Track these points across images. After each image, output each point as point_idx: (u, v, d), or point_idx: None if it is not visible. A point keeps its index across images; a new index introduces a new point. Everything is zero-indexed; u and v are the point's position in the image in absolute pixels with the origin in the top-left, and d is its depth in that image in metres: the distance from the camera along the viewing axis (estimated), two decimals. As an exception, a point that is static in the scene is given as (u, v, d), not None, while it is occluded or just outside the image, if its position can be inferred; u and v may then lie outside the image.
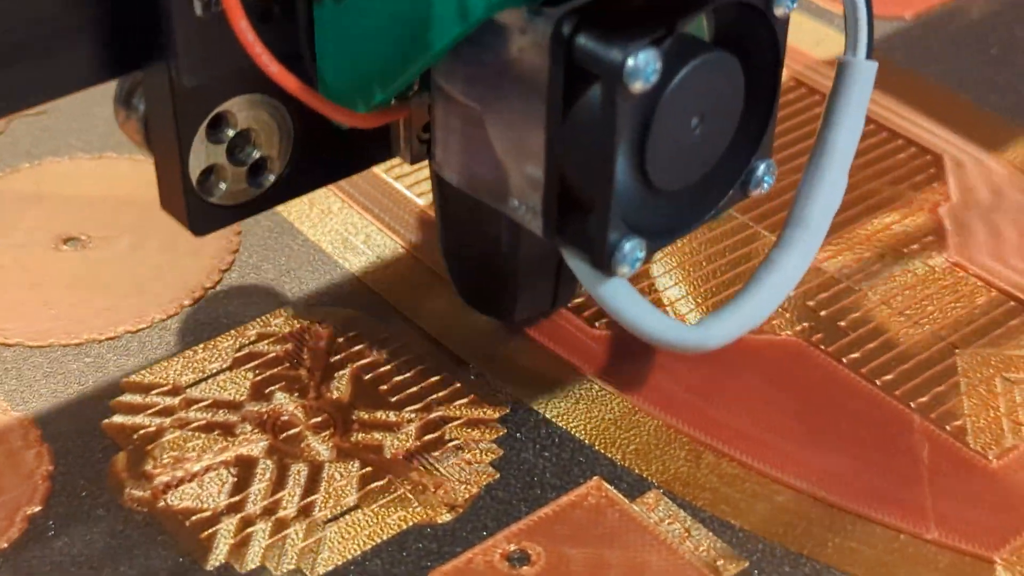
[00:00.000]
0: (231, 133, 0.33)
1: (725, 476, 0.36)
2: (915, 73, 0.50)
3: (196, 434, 0.36)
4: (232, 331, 0.39)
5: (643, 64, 0.28)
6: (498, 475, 0.35)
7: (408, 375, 0.38)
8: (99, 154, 0.46)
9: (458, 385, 0.38)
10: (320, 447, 0.36)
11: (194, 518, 0.34)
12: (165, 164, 0.33)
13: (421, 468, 0.35)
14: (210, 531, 0.34)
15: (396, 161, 0.45)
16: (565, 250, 0.31)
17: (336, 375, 0.38)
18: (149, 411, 0.37)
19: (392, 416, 0.37)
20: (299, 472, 0.35)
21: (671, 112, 0.30)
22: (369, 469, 0.35)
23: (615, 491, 0.35)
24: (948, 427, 0.37)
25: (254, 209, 0.34)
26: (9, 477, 0.35)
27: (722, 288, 0.41)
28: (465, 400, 0.37)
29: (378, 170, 0.45)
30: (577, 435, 0.36)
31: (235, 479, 0.35)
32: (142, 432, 0.36)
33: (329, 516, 0.34)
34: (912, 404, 0.37)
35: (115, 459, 0.36)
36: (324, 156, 0.35)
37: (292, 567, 0.33)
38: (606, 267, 0.30)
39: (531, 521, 0.34)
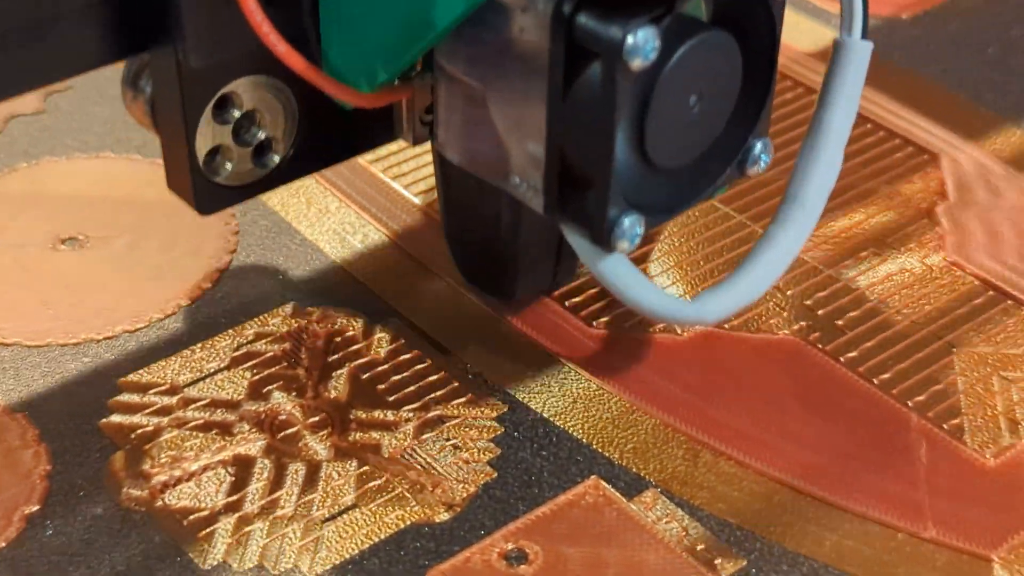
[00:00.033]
0: (237, 114, 0.33)
1: (723, 475, 0.36)
2: (913, 72, 0.50)
3: (194, 433, 0.36)
4: (230, 330, 0.39)
5: (642, 42, 0.28)
6: (496, 474, 0.35)
7: (405, 374, 0.38)
8: (97, 154, 0.46)
9: (456, 384, 0.38)
10: (318, 446, 0.36)
11: (192, 517, 0.34)
12: (172, 145, 0.33)
13: (419, 467, 0.35)
14: (208, 530, 0.34)
15: (394, 160, 0.45)
16: (565, 227, 0.32)
17: (334, 374, 0.38)
18: (147, 410, 0.37)
19: (390, 415, 0.37)
20: (297, 471, 0.35)
21: (670, 90, 0.30)
22: (367, 468, 0.35)
23: (613, 490, 0.35)
24: (945, 426, 0.37)
25: (259, 189, 0.35)
26: (7, 476, 0.35)
27: (720, 287, 0.41)
28: (463, 399, 0.37)
29: (376, 170, 0.45)
30: (575, 434, 0.36)
31: (233, 478, 0.35)
32: (140, 431, 0.36)
33: (327, 515, 0.34)
34: (909, 403, 0.37)
35: (113, 458, 0.36)
36: (328, 137, 0.35)
37: (290, 566, 0.33)
38: (605, 243, 0.31)
39: (529, 520, 0.34)
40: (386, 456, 0.36)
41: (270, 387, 0.37)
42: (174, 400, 0.37)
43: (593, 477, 0.35)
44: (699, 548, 0.34)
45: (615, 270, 0.32)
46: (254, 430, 0.36)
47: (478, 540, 0.34)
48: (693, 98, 0.31)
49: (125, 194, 0.44)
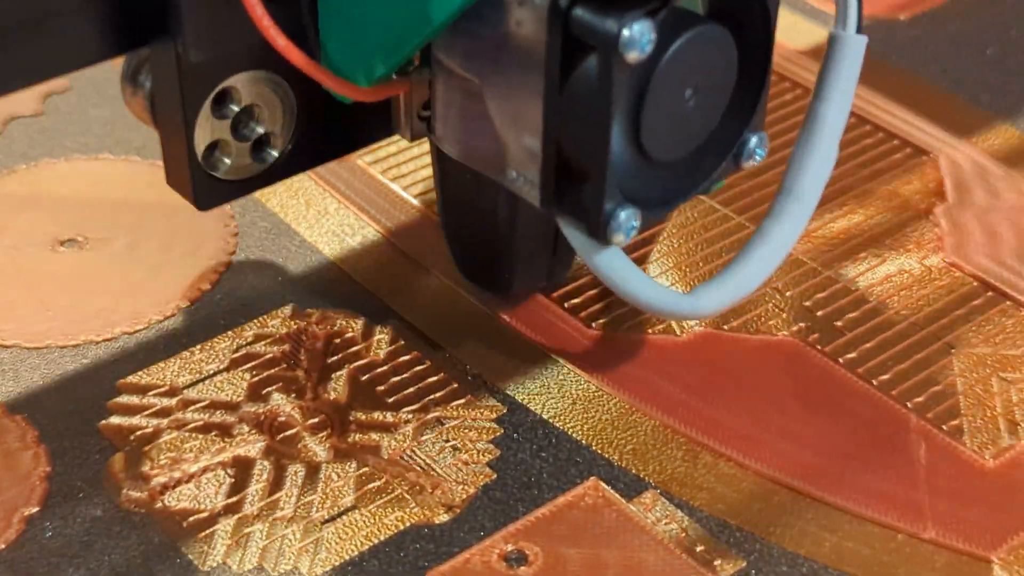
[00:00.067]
0: (235, 109, 0.33)
1: (722, 476, 0.36)
2: (911, 73, 0.50)
3: (193, 435, 0.36)
4: (229, 332, 0.39)
5: (638, 35, 0.28)
6: (495, 475, 0.35)
7: (405, 376, 0.38)
8: (96, 155, 0.46)
9: (455, 386, 0.38)
10: (317, 448, 0.36)
11: (191, 519, 0.34)
12: (171, 140, 0.33)
13: (418, 469, 0.35)
14: (207, 532, 0.34)
15: (393, 162, 0.45)
16: (561, 220, 0.32)
17: (333, 376, 0.38)
18: (146, 412, 0.37)
19: (389, 417, 0.37)
20: (296, 473, 0.35)
21: (666, 83, 0.30)
22: (366, 470, 0.35)
23: (612, 491, 0.35)
24: (945, 427, 0.37)
25: (257, 184, 0.35)
26: (6, 478, 0.35)
27: (719, 288, 0.41)
28: (462, 401, 0.37)
29: (375, 171, 0.45)
30: (574, 435, 0.36)
31: (232, 480, 0.35)
32: (139, 433, 0.36)
33: (326, 517, 0.34)
34: (909, 404, 0.37)
35: (112, 460, 0.36)
36: (326, 133, 0.35)
37: (289, 567, 0.33)
38: (602, 236, 0.31)
39: (528, 521, 0.34)
40: (386, 457, 0.36)
41: (269, 388, 0.37)
42: (173, 402, 0.37)
43: (592, 478, 0.35)
44: (698, 549, 0.34)
45: (611, 263, 0.32)
46: (253, 431, 0.36)
47: (478, 541, 0.34)
48: (689, 91, 0.31)
49: (124, 196, 0.44)
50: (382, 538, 0.34)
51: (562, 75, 0.30)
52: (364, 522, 0.34)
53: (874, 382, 0.38)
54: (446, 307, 0.40)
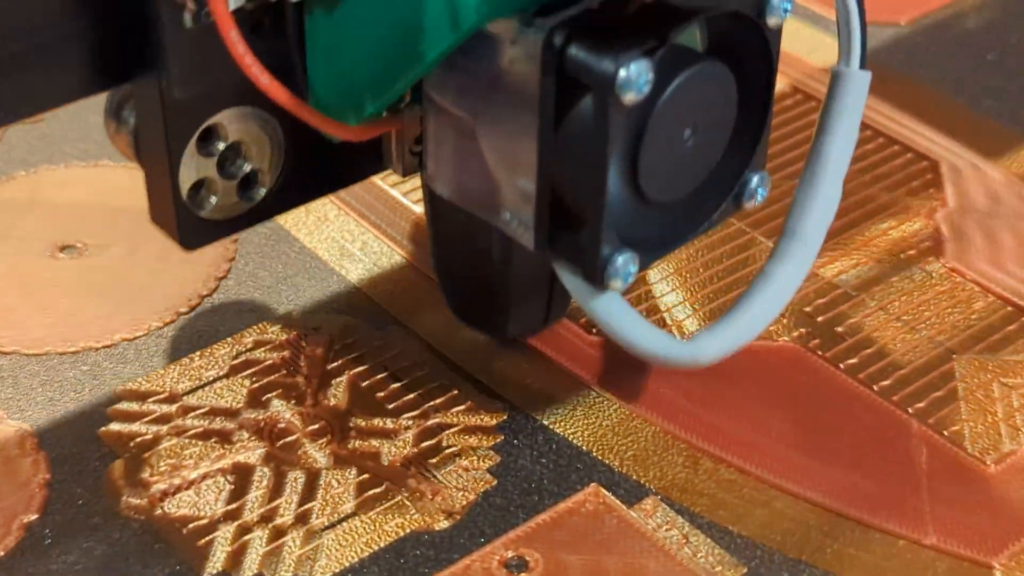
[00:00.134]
0: (222, 146, 0.32)
1: (723, 482, 0.35)
2: (911, 79, 0.50)
3: (193, 442, 0.36)
4: (229, 339, 0.39)
5: (635, 75, 0.28)
6: (496, 482, 0.35)
7: (405, 382, 0.38)
8: (95, 162, 0.46)
9: (455, 392, 0.38)
10: (317, 454, 0.36)
11: (191, 526, 0.34)
12: (155, 177, 0.32)
13: (419, 475, 0.35)
14: (207, 539, 0.34)
15: (392, 168, 0.45)
16: (557, 264, 0.31)
17: (333, 382, 0.38)
18: (146, 419, 0.37)
19: (389, 423, 0.37)
20: (296, 479, 0.35)
21: (664, 123, 0.29)
22: (366, 476, 0.35)
23: (613, 497, 0.35)
24: (946, 432, 0.37)
25: (245, 223, 0.34)
26: (6, 485, 0.35)
27: (719, 294, 0.41)
28: (462, 407, 0.37)
29: (375, 177, 0.44)
30: (575, 441, 0.36)
31: (232, 486, 0.35)
32: (139, 440, 0.36)
33: (326, 523, 0.34)
34: (910, 409, 0.37)
35: (112, 467, 0.35)
36: (315, 169, 0.34)
37: (289, 574, 0.33)
38: (599, 281, 0.30)
39: (529, 528, 0.34)
40: (386, 464, 0.36)
41: (269, 395, 0.37)
42: (173, 408, 0.37)
43: (593, 484, 0.35)
44: (699, 555, 0.34)
45: (608, 309, 0.31)
46: (253, 438, 0.36)
47: (478, 548, 0.34)
48: (688, 131, 0.30)
49: (123, 202, 0.44)
50: (382, 545, 0.34)
51: (557, 115, 0.29)
52: (364, 529, 0.34)
53: (875, 388, 0.38)
54: (446, 313, 0.40)
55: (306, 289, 0.41)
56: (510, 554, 0.34)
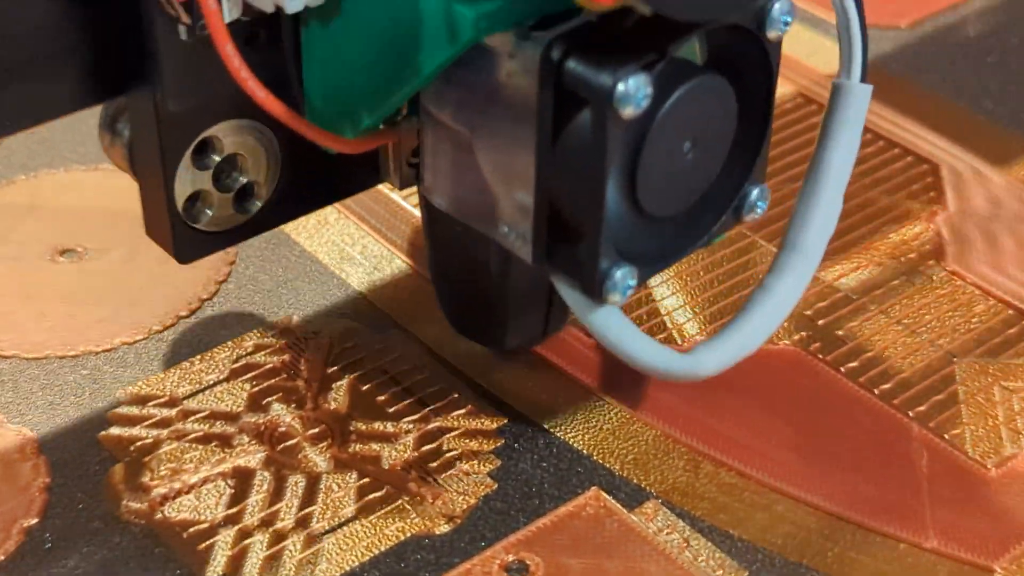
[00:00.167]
0: (217, 159, 0.32)
1: (724, 486, 0.35)
2: (912, 82, 0.50)
3: (193, 446, 0.36)
4: (229, 342, 0.39)
5: (633, 89, 0.28)
6: (496, 485, 0.35)
7: (406, 386, 0.38)
8: (95, 166, 0.46)
9: (456, 396, 0.38)
10: (318, 458, 0.36)
11: (192, 530, 0.34)
12: (150, 190, 0.32)
13: (419, 479, 0.35)
14: (208, 543, 0.34)
15: (393, 172, 0.45)
16: (555, 277, 0.31)
17: (333, 386, 0.38)
18: (146, 423, 0.37)
19: (390, 427, 0.37)
20: (297, 483, 0.35)
21: (663, 137, 0.29)
22: (367, 480, 0.35)
23: (613, 501, 0.35)
24: (947, 436, 0.37)
25: (241, 236, 0.34)
26: (6, 489, 0.35)
27: (720, 298, 0.41)
28: (463, 411, 0.37)
29: (375, 181, 0.45)
30: (575, 445, 0.36)
31: (232, 490, 0.35)
32: (139, 444, 0.36)
33: (327, 527, 0.34)
34: (911, 413, 0.37)
35: (112, 471, 0.35)
36: (312, 181, 0.34)
37: (290, 579, 0.33)
38: (597, 295, 0.30)
39: (530, 531, 0.34)
40: (386, 468, 0.36)
41: (270, 399, 0.37)
42: (173, 412, 0.37)
43: (594, 488, 0.35)
44: (700, 559, 0.34)
45: (607, 323, 0.31)
46: (254, 442, 0.36)
47: (479, 552, 0.34)
48: (687, 144, 0.30)
49: (123, 206, 0.44)
50: (383, 549, 0.34)
51: (555, 128, 0.29)
52: (365, 533, 0.34)
53: (876, 391, 0.38)
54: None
55: (306, 293, 0.41)
56: (511, 558, 0.34)
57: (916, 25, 0.53)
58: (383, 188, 0.44)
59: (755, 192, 0.32)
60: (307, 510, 0.35)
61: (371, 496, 0.35)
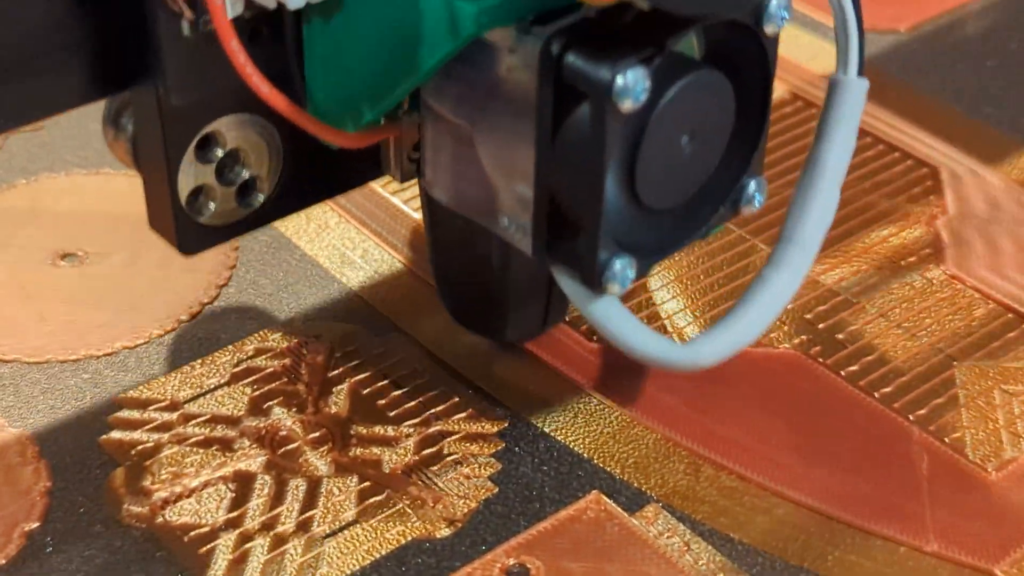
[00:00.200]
0: (220, 153, 0.33)
1: (724, 489, 0.35)
2: (911, 86, 0.50)
3: (194, 449, 0.36)
4: (230, 346, 0.39)
5: (632, 83, 0.28)
6: (497, 489, 0.35)
7: (406, 390, 0.38)
8: (96, 170, 0.46)
9: (456, 399, 0.38)
10: (318, 462, 0.36)
11: (192, 534, 0.34)
12: (154, 184, 0.33)
13: (420, 483, 0.35)
14: (208, 547, 0.34)
15: (393, 175, 0.45)
16: (555, 269, 0.31)
17: (334, 390, 0.38)
18: (147, 427, 0.37)
19: (390, 431, 0.37)
20: (297, 487, 0.35)
21: (661, 130, 0.29)
22: (368, 484, 0.35)
23: (614, 505, 0.35)
24: (947, 439, 0.37)
25: (243, 229, 0.34)
26: (7, 493, 0.35)
27: (720, 301, 0.41)
28: (463, 414, 0.37)
29: (375, 185, 0.45)
30: (576, 449, 0.36)
31: (233, 494, 0.35)
32: (140, 448, 0.36)
33: (328, 531, 0.34)
34: (911, 417, 0.37)
35: (113, 475, 0.35)
36: (313, 175, 0.34)
37: (291, 582, 0.33)
38: (597, 286, 0.30)
39: (530, 535, 0.34)
40: (387, 471, 0.36)
41: (270, 403, 0.37)
42: (174, 416, 0.37)
43: (594, 492, 0.35)
44: (701, 563, 0.34)
45: (606, 313, 0.31)
46: (254, 446, 0.36)
47: (479, 556, 0.34)
48: (685, 138, 0.30)
49: (124, 210, 0.44)
50: (383, 552, 0.34)
51: (554, 122, 0.29)
52: (365, 536, 0.34)
53: (876, 395, 0.38)
54: (447, 320, 0.40)
55: (307, 297, 0.41)
56: (511, 561, 0.34)
57: (915, 29, 0.53)
58: (384, 192, 0.44)
59: (752, 185, 0.33)
60: (308, 514, 0.35)
61: (372, 500, 0.35)
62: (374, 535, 0.34)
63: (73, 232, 0.43)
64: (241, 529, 0.34)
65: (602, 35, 0.28)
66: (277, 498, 0.35)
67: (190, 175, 0.32)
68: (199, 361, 0.39)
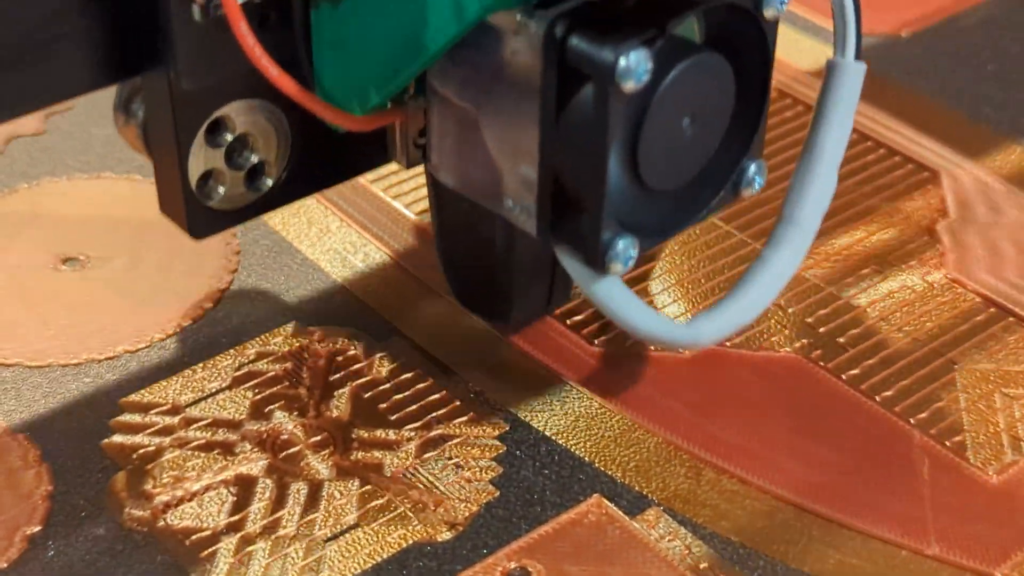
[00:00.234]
0: (229, 137, 0.33)
1: (726, 492, 0.35)
2: (912, 89, 0.50)
3: (196, 453, 0.36)
4: (231, 350, 0.39)
5: (635, 64, 0.28)
6: (498, 493, 0.35)
7: (407, 393, 0.38)
8: (97, 174, 0.46)
9: (457, 403, 0.38)
10: (320, 466, 0.36)
11: (194, 537, 0.34)
12: (164, 169, 0.33)
13: (421, 486, 0.35)
14: (210, 550, 0.34)
15: (395, 179, 0.45)
16: (559, 249, 0.32)
17: (335, 393, 0.38)
18: (148, 431, 0.37)
19: (392, 434, 0.37)
20: (299, 491, 0.35)
21: (663, 112, 0.30)
22: (369, 487, 0.35)
23: (615, 508, 0.35)
24: (948, 443, 0.37)
25: (252, 213, 0.35)
26: (8, 497, 0.35)
27: (721, 305, 0.41)
28: (464, 418, 0.37)
29: (376, 189, 0.45)
30: (577, 452, 0.36)
31: (235, 498, 0.35)
32: (141, 451, 0.36)
33: (329, 535, 0.34)
34: (912, 420, 0.37)
35: (115, 479, 0.35)
36: (321, 161, 0.35)
37: (292, 586, 0.33)
38: (600, 265, 0.31)
39: (531, 539, 0.34)
40: (388, 475, 0.36)
41: (272, 407, 0.37)
42: (176, 420, 0.37)
43: (595, 495, 0.35)
44: (702, 566, 0.34)
45: (609, 292, 0.32)
46: (256, 450, 0.36)
47: (481, 559, 0.34)
48: (686, 120, 0.31)
49: (126, 214, 0.44)
50: (385, 556, 0.34)
51: (558, 104, 0.30)
52: (367, 540, 0.34)
53: (877, 399, 0.38)
54: (448, 324, 0.40)
55: (308, 300, 0.41)
56: (513, 565, 0.34)
57: (916, 34, 0.53)
58: (386, 196, 0.44)
59: (752, 167, 0.33)
60: (309, 517, 0.35)
61: (373, 503, 0.35)
62: (375, 538, 0.34)
63: (74, 236, 0.43)
64: (242, 533, 0.34)
65: (604, 18, 0.29)
66: (278, 502, 0.35)
67: (200, 159, 0.33)
68: (200, 365, 0.39)
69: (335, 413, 0.37)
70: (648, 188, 0.31)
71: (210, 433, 0.37)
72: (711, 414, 0.37)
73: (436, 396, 0.38)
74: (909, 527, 0.35)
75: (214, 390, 0.38)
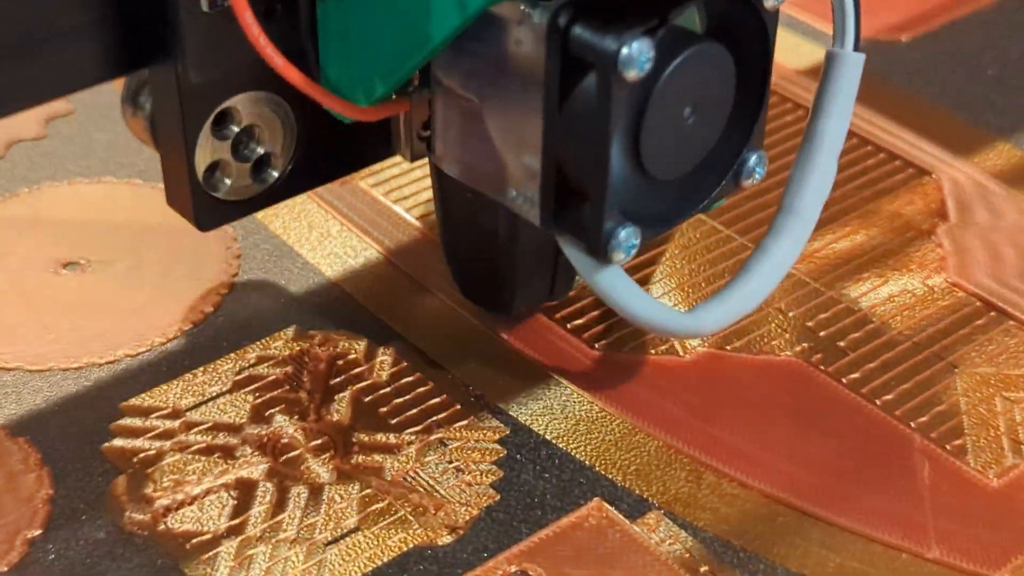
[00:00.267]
0: (236, 129, 0.34)
1: (726, 496, 0.35)
2: (913, 95, 0.50)
3: (196, 457, 0.36)
4: (232, 354, 0.39)
5: (637, 53, 0.29)
6: (498, 496, 0.35)
7: (408, 397, 0.38)
8: (97, 178, 0.46)
9: (458, 407, 0.38)
10: (320, 469, 0.36)
11: (194, 541, 0.34)
12: (171, 160, 0.34)
13: (421, 490, 0.35)
14: (210, 554, 0.34)
15: (395, 184, 0.45)
16: (561, 239, 0.32)
17: (336, 397, 0.38)
18: (149, 434, 0.37)
19: (392, 438, 0.37)
20: (299, 494, 0.35)
21: (664, 101, 0.30)
22: (369, 491, 0.35)
23: (616, 512, 0.35)
24: (948, 446, 0.37)
25: (258, 205, 0.35)
26: (9, 500, 0.35)
27: (721, 309, 0.41)
28: (465, 422, 0.37)
29: (377, 193, 0.45)
30: (577, 456, 0.36)
31: (235, 502, 0.35)
32: (142, 455, 0.36)
33: (329, 538, 0.34)
34: (912, 424, 0.37)
35: (115, 482, 0.35)
36: (326, 153, 0.35)
37: (293, 589, 0.33)
38: (602, 255, 0.31)
39: (532, 543, 0.34)
40: (388, 479, 0.36)
41: (272, 410, 0.37)
42: (176, 424, 0.37)
43: (596, 499, 0.35)
44: (703, 569, 0.34)
45: (611, 282, 0.32)
46: (256, 453, 0.36)
47: (481, 563, 0.34)
48: (688, 110, 0.31)
49: (126, 218, 0.44)
50: (385, 560, 0.34)
51: (561, 94, 0.30)
52: (367, 544, 0.34)
53: (877, 402, 0.38)
54: (449, 328, 0.40)
55: (309, 304, 0.41)
56: (513, 569, 0.34)
57: (917, 39, 0.53)
58: (386, 200, 0.44)
59: (753, 158, 0.33)
60: (309, 521, 0.35)
61: (373, 507, 0.35)
62: (376, 542, 0.34)
63: (75, 240, 0.43)
64: (243, 536, 0.34)
65: (607, 8, 0.29)
66: (279, 505, 0.35)
67: (207, 151, 0.33)
68: (201, 369, 0.39)
69: (335, 417, 0.37)
70: (650, 178, 0.31)
71: (211, 437, 0.37)
72: (712, 417, 0.37)
73: (436, 400, 0.38)
74: (910, 530, 0.35)
75: (215, 394, 0.38)
